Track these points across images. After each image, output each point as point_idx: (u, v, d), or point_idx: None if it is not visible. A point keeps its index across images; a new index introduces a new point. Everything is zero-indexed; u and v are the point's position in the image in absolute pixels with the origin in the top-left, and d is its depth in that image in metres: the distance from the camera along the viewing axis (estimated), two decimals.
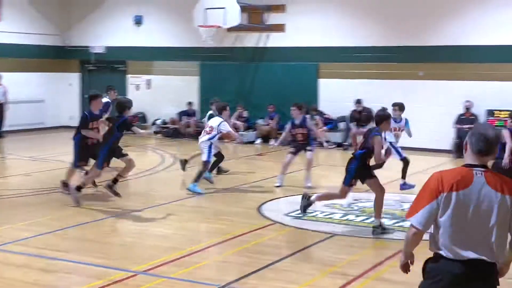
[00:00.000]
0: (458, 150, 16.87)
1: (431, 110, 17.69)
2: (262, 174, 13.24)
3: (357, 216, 9.66)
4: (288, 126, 11.98)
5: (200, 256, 7.65)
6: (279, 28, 19.61)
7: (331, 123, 17.75)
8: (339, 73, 18.88)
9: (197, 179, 11.15)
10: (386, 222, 9.21)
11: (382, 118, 8.67)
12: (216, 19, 18.39)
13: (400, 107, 12.30)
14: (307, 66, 19.31)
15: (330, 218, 9.52)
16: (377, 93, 18.04)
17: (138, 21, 21.75)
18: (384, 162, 9.14)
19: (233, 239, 8.34)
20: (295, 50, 19.40)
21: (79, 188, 10.12)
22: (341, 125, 18.62)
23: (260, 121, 19.66)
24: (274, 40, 19.79)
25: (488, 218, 3.71)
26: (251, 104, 19.79)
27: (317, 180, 12.48)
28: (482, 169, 3.77)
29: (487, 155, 3.79)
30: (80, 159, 10.74)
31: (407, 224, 9.07)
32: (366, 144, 8.55)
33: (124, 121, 10.05)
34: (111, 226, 9.24)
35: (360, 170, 8.53)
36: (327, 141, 15.26)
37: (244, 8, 18.87)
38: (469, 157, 3.83)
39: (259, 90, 19.90)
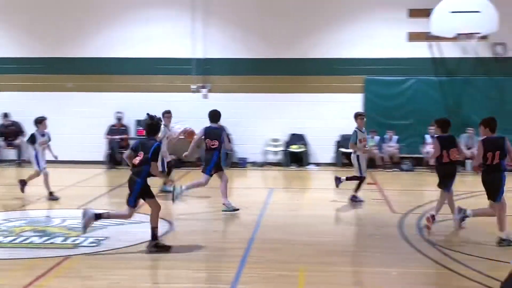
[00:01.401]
0: (110, 161, 17.16)
1: (82, 122, 17.72)
2: None
3: (6, 236, 9.14)
4: None
5: None
6: None
7: None
8: None
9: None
10: (36, 240, 8.92)
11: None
12: None
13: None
14: None
15: None
16: (26, 106, 17.39)
17: None
18: None
19: None
20: None
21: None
22: None
23: None
24: None
25: None
26: None
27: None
28: None
29: None
30: None
31: (58, 240, 8.92)
32: (504, 152, 8.41)
33: (157, 147, 7.86)
34: None
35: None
36: None
37: None
38: None
39: None
